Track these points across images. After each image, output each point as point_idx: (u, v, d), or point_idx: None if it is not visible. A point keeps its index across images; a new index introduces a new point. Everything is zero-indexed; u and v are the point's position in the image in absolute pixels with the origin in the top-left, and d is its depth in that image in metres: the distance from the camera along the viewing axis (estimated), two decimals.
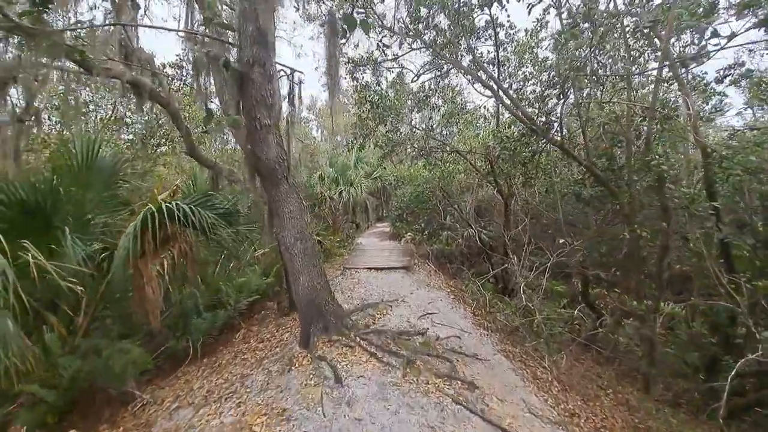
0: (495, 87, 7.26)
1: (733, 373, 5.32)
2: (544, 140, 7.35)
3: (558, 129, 6.11)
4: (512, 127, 8.68)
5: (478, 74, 7.50)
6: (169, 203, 3.99)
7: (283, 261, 5.06)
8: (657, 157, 5.63)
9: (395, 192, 18.63)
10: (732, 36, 5.02)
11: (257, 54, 3.75)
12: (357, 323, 5.11)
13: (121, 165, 5.62)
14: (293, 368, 4.13)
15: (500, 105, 10.53)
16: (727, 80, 6.59)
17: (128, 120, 10.69)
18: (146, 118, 9.58)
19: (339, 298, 7.08)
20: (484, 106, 11.71)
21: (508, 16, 9.22)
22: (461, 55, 10.58)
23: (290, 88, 4.70)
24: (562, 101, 5.65)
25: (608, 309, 9.60)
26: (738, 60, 6.58)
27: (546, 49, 10.72)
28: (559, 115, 5.99)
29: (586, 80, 4.71)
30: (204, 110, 4.06)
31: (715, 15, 6.01)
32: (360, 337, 4.44)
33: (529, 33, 10.67)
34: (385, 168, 17.95)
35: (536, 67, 10.42)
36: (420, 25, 7.50)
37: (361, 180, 17.00)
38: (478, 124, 14.25)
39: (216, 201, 4.66)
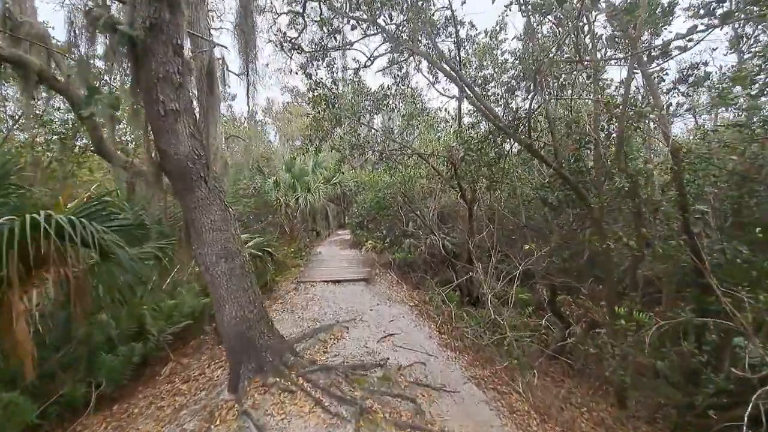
0: (457, 78, 6.70)
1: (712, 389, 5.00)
2: (511, 141, 6.88)
3: (526, 128, 5.61)
4: (476, 127, 8.19)
5: (441, 64, 6.91)
6: (37, 215, 2.95)
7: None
8: (630, 158, 5.26)
9: (356, 198, 17.86)
10: (690, 34, 4.73)
11: (158, 14, 2.83)
12: (302, 357, 4.23)
13: (11, 168, 4.44)
14: (213, 426, 3.19)
15: (462, 106, 10.11)
16: (690, 80, 6.44)
17: (48, 117, 9.12)
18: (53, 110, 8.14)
19: (288, 319, 6.16)
20: (446, 109, 11.27)
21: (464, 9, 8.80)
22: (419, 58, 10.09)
23: (209, 63, 3.79)
24: (531, 95, 5.16)
25: (574, 317, 9.33)
26: (701, 60, 6.43)
27: (506, 53, 10.49)
28: (526, 112, 5.49)
29: (559, 67, 4.27)
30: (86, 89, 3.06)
31: (672, 17, 5.84)
32: (304, 378, 3.58)
33: (489, 34, 10.40)
34: (343, 173, 17.12)
35: (497, 69, 10.13)
36: (375, 8, 6.82)
37: (320, 186, 16.04)
38: (439, 128, 13.85)
39: (114, 211, 3.63)
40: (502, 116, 6.05)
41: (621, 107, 5.22)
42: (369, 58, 8.67)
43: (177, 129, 3.05)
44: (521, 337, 7.34)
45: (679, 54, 5.17)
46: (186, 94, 3.08)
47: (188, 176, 3.19)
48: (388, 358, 4.44)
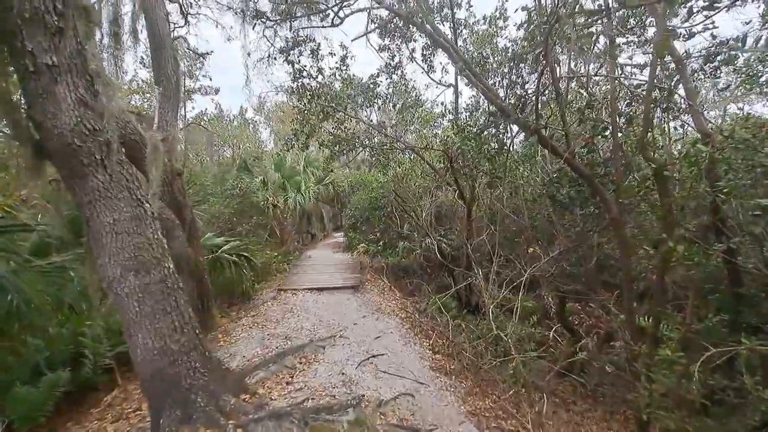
0: (453, 52, 5.85)
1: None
2: (512, 130, 6.03)
3: (532, 110, 4.75)
4: (475, 115, 7.33)
5: (436, 37, 6.04)
6: None
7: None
8: (656, 145, 4.41)
9: (350, 199, 17.01)
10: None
11: None
12: (254, 393, 3.36)
13: None
14: None
15: (460, 99, 9.25)
16: (717, 60, 5.58)
17: None
18: None
19: (255, 336, 5.28)
20: (442, 103, 10.41)
21: None
22: (414, 39, 9.24)
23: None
24: (540, 68, 4.30)
25: (583, 327, 8.45)
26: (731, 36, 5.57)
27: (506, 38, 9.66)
28: (533, 90, 4.65)
29: (577, 26, 3.45)
30: None
31: None
32: (244, 429, 2.71)
33: (488, 20, 9.57)
34: (333, 171, 16.26)
35: (497, 58, 9.30)
36: None
37: (310, 186, 15.18)
38: (435, 123, 13.00)
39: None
40: (504, 98, 5.20)
41: (647, 84, 4.36)
42: (364, 35, 7.76)
43: (56, 92, 2.20)
44: (527, 354, 6.50)
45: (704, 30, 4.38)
46: (70, 44, 2.22)
47: (75, 158, 2.33)
48: (363, 395, 3.57)
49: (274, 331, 5.54)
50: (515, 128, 6.52)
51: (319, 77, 9.26)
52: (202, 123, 15.36)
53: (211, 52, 11.36)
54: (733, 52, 5.35)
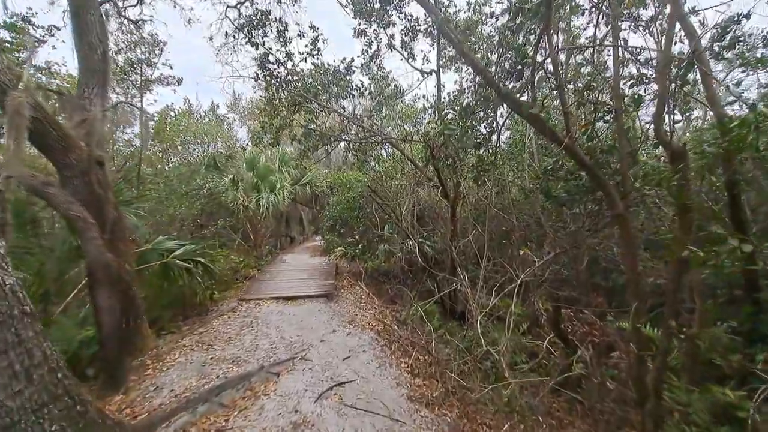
0: (437, 24, 5.05)
1: None
2: (502, 118, 5.28)
3: (527, 86, 4.00)
4: (460, 99, 6.54)
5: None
6: None
7: None
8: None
9: (328, 201, 16.13)
10: None
11: None
12: None
13: None
14: None
15: (443, 86, 8.50)
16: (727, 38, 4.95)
17: None
18: None
19: (196, 361, 4.33)
20: (423, 96, 9.61)
21: None
22: (393, 23, 8.45)
23: None
24: (537, 37, 3.55)
25: (577, 335, 7.77)
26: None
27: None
28: (529, 64, 3.88)
29: None
30: None
31: None
32: None
33: (471, 6, 8.89)
34: (310, 170, 15.34)
35: (483, 47, 8.60)
36: None
37: (285, 186, 14.19)
38: (417, 119, 12.24)
39: None
40: (494, 75, 4.42)
41: (661, 55, 3.65)
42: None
43: None
44: (519, 368, 5.77)
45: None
46: None
47: None
48: None
49: (221, 354, 4.59)
50: (503, 117, 5.77)
51: (289, 63, 8.37)
52: (168, 119, 14.21)
53: (165, 43, 10.27)
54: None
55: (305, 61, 8.34)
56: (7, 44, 6.74)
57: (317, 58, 8.29)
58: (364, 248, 11.81)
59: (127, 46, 9.73)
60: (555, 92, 4.65)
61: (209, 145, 15.71)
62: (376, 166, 10.39)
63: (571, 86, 5.39)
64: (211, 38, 9.11)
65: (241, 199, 12.82)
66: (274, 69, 8.32)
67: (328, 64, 8.56)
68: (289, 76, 8.40)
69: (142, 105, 10.50)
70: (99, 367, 4.18)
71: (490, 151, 5.66)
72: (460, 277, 7.88)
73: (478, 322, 5.79)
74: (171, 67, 10.64)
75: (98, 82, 4.70)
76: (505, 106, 5.20)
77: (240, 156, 16.12)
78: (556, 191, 5.54)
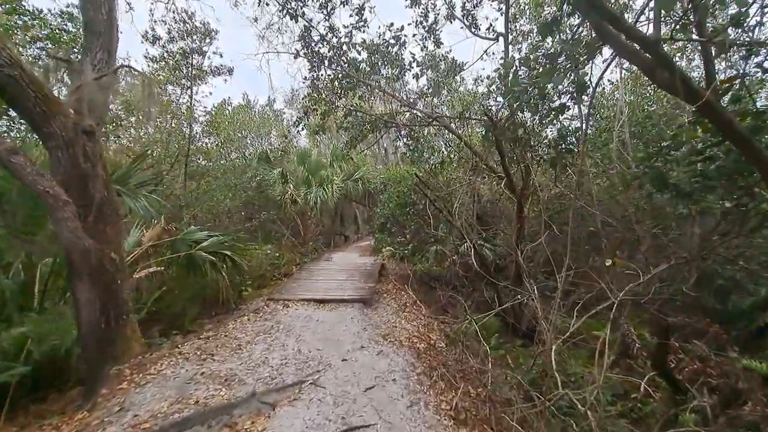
0: None
1: None
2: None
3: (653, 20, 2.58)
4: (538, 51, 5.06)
5: None
6: None
7: None
8: None
9: (380, 197, 15.22)
10: None
11: None
12: None
13: None
14: None
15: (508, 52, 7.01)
16: None
17: None
18: None
19: (181, 376, 3.51)
20: (488, 77, 8.12)
21: None
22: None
23: None
24: None
25: (683, 373, 5.91)
26: None
27: None
28: None
29: None
30: None
31: None
32: None
33: None
34: (358, 164, 14.49)
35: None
36: None
37: (334, 180, 13.51)
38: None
39: None
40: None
41: None
42: None
43: None
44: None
45: None
46: None
47: None
48: None
49: (216, 368, 3.73)
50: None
51: (333, 39, 7.49)
52: (226, 113, 14.32)
53: (216, 31, 10.00)
54: None
55: (351, 37, 7.41)
56: None
57: (363, 31, 7.32)
58: (414, 249, 10.65)
59: (179, 36, 9.67)
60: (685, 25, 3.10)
61: (263, 139, 15.65)
62: (430, 156, 9.16)
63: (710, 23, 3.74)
64: (256, 19, 8.64)
65: (289, 192, 12.36)
66: (317, 46, 7.51)
67: (375, 41, 7.55)
68: (333, 54, 7.53)
69: (191, 98, 10.40)
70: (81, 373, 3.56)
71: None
72: (527, 289, 6.41)
73: (553, 350, 4.34)
74: (221, 56, 10.50)
75: (102, 45, 4.13)
76: (600, 54, 3.74)
77: (293, 150, 15.87)
78: (675, 178, 3.92)
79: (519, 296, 6.71)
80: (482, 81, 10.39)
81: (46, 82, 4.24)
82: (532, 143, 6.45)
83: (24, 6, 6.84)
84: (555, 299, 5.41)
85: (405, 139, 9.32)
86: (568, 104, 3.70)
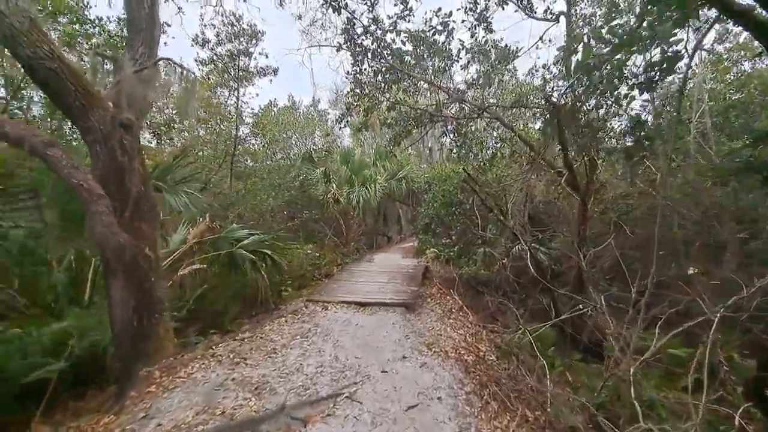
0: None
1: None
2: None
3: None
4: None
5: None
6: None
7: None
8: None
9: (424, 197, 14.74)
10: None
11: None
12: None
13: None
14: None
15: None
16: None
17: None
18: None
19: (214, 378, 3.31)
20: (544, 66, 7.30)
21: None
22: None
23: None
24: None
25: None
26: None
27: None
28: None
29: None
30: None
31: None
32: None
33: None
34: (402, 163, 14.05)
35: None
36: None
37: (377, 179, 13.23)
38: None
39: None
40: None
41: None
42: None
43: None
44: None
45: None
46: None
47: None
48: None
49: (248, 374, 3.50)
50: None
51: (377, 30, 7.17)
52: (271, 114, 14.59)
53: (263, 33, 10.08)
54: None
55: (395, 28, 7.04)
56: None
57: (408, 20, 6.92)
58: (460, 251, 10.08)
59: (227, 38, 9.88)
60: None
61: (307, 139, 15.78)
62: (479, 151, 8.54)
63: None
64: (300, 17, 8.55)
65: (332, 192, 12.26)
66: (360, 39, 7.23)
67: (422, 29, 7.12)
68: (376, 46, 7.21)
69: (238, 99, 10.58)
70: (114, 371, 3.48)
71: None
72: (591, 298, 5.69)
73: (631, 373, 3.66)
74: (266, 56, 10.60)
75: (143, 40, 4.09)
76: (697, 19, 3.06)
77: (336, 150, 15.84)
78: None
79: (580, 306, 5.98)
80: (537, 71, 9.61)
81: (94, 80, 4.29)
82: (598, 134, 5.72)
83: (86, 15, 7.26)
84: (629, 311, 4.69)
85: (451, 135, 8.80)
86: (656, 78, 3.03)
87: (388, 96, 8.47)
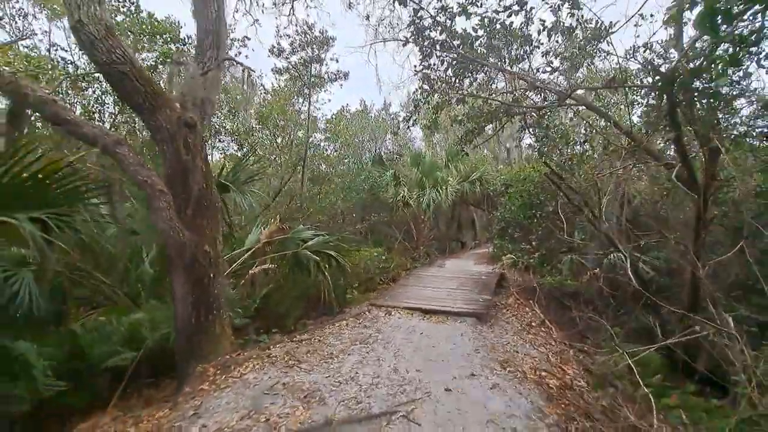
0: None
1: None
2: None
3: None
4: None
5: None
6: None
7: None
8: None
9: (500, 200, 13.78)
10: None
11: None
12: None
13: None
14: None
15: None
16: None
17: None
18: None
19: (266, 381, 3.17)
20: (645, 45, 6.05)
21: None
22: None
23: None
24: None
25: None
26: None
27: None
28: None
29: None
30: None
31: None
32: None
33: None
34: (470, 161, 13.23)
35: None
36: None
37: (448, 181, 12.66)
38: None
39: None
40: None
41: None
42: None
43: None
44: None
45: None
46: None
47: None
48: None
49: (300, 379, 3.29)
50: None
51: (446, 20, 6.73)
52: (343, 121, 14.89)
53: (334, 39, 10.24)
54: None
55: (465, 11, 6.52)
56: None
57: (480, 5, 6.37)
58: (542, 258, 9.08)
59: (300, 47, 10.25)
60: None
61: (377, 142, 15.80)
62: (564, 146, 7.55)
63: None
64: (368, 17, 8.44)
65: (401, 195, 12.01)
66: (427, 31, 6.86)
67: (495, 11, 6.49)
68: (445, 37, 6.77)
69: (309, 105, 10.88)
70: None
71: None
72: (713, 319, 4.55)
73: None
74: (337, 61, 10.78)
75: (211, 43, 4.22)
76: None
77: (407, 152, 15.59)
78: None
79: (697, 327, 4.82)
80: (635, 52, 8.21)
81: (170, 86, 4.54)
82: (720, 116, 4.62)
83: (178, 34, 8.04)
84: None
85: (531, 129, 7.96)
86: None
87: (459, 90, 7.95)
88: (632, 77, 6.55)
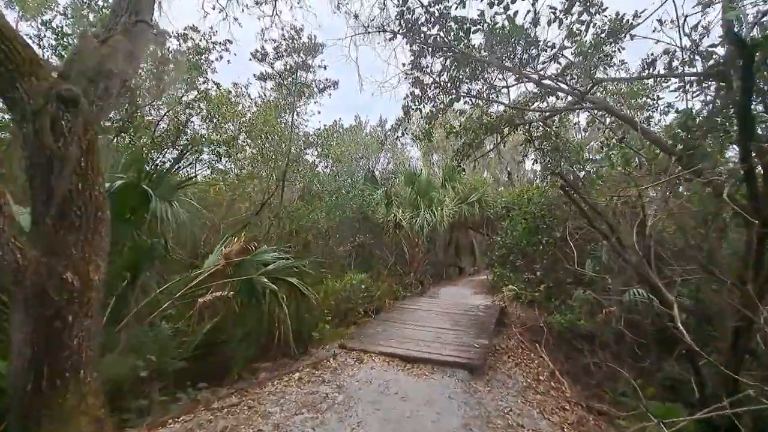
0: None
1: None
2: None
3: None
4: None
5: None
6: None
7: None
8: None
9: (501, 224, 12.72)
10: None
11: None
12: None
13: None
14: None
15: None
16: None
17: None
18: None
19: None
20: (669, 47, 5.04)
21: None
22: None
23: None
24: None
25: None
26: None
27: None
28: None
29: None
30: None
31: None
32: None
33: None
34: (469, 182, 12.23)
35: None
36: None
37: (444, 201, 11.60)
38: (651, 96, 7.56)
39: None
40: None
41: None
42: None
43: None
44: None
45: None
46: None
47: None
48: None
49: None
50: None
51: (442, 9, 5.82)
52: (335, 135, 13.98)
53: (322, 45, 9.44)
54: None
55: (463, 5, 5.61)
56: None
57: None
58: (548, 291, 7.91)
59: (287, 52, 9.41)
60: None
61: (371, 159, 14.86)
62: (575, 163, 6.50)
63: None
64: (356, 16, 7.58)
65: (393, 215, 10.91)
66: (419, 25, 5.95)
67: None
68: (438, 30, 5.85)
69: (293, 115, 9.93)
70: None
71: None
72: None
73: None
74: (325, 68, 9.88)
75: (129, 6, 3.24)
76: None
77: (401, 170, 14.60)
78: None
79: (750, 391, 3.60)
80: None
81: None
82: None
83: None
84: None
85: (537, 142, 6.96)
86: None
87: (454, 97, 6.99)
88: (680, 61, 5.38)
